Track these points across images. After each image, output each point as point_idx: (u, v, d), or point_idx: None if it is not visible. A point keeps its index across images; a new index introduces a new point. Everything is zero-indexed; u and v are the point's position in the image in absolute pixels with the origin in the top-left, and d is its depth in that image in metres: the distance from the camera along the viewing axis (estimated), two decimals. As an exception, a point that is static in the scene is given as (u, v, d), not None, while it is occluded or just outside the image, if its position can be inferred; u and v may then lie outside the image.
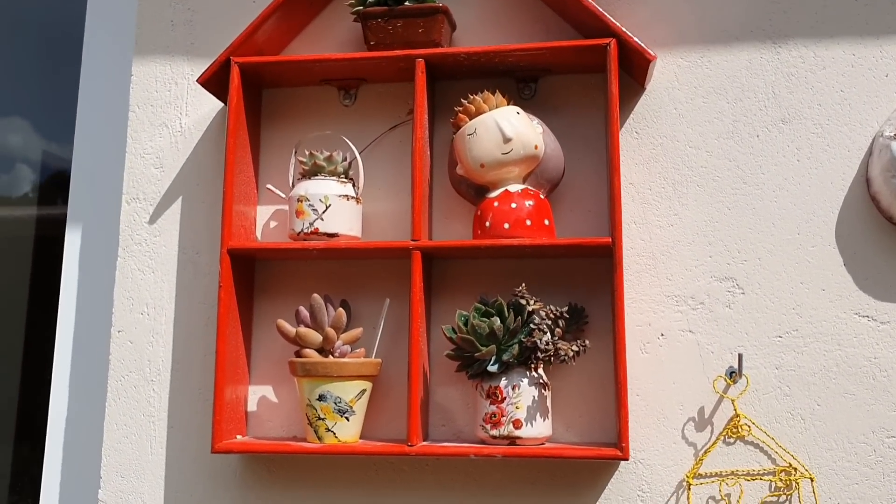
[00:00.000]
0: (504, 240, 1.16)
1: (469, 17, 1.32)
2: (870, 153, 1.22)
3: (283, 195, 1.29)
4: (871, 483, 1.16)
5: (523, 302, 1.15)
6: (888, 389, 1.18)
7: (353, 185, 1.26)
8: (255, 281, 1.32)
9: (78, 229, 1.47)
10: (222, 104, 1.36)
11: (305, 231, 1.22)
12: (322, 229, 1.21)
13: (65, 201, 1.49)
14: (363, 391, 1.19)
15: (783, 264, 1.22)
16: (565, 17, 1.28)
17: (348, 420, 1.18)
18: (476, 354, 1.14)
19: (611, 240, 1.15)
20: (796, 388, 1.19)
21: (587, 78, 1.29)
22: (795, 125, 1.25)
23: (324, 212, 1.21)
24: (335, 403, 1.17)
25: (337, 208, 1.22)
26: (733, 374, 1.19)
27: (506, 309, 1.16)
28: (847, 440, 1.17)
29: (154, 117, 1.39)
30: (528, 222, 1.18)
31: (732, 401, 1.18)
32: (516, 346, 1.14)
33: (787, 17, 1.26)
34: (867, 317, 1.20)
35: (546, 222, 1.19)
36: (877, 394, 1.18)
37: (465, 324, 1.16)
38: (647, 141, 1.27)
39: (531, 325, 1.14)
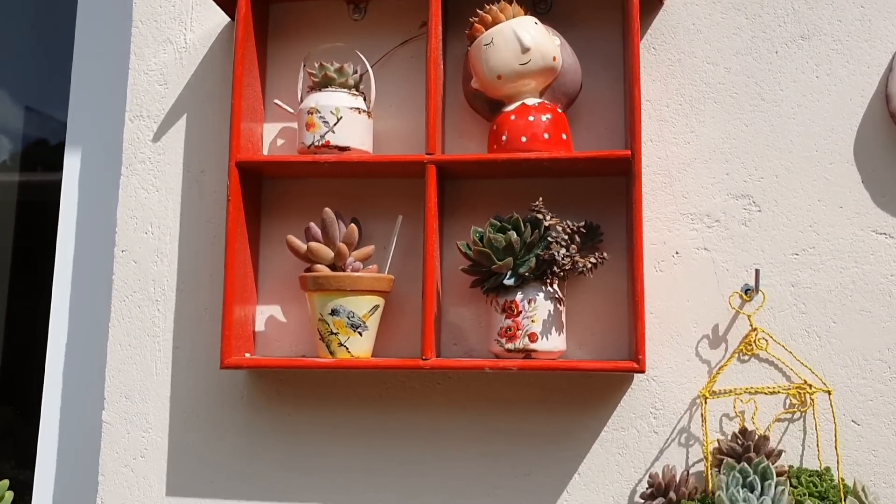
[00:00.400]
0: (522, 153, 1.14)
1: (483, -71, 1.28)
2: (890, 69, 1.20)
3: (292, 110, 1.26)
4: (886, 399, 1.16)
5: (540, 217, 1.13)
6: (904, 307, 1.17)
7: (365, 99, 1.23)
8: (262, 199, 1.29)
9: (77, 151, 1.44)
10: (228, 20, 1.33)
11: (316, 143, 1.19)
12: (333, 142, 1.19)
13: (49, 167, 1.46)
14: (376, 307, 1.17)
15: (800, 182, 1.21)
16: (582, -71, 1.25)
17: (361, 335, 1.16)
18: (493, 267, 1.12)
19: (630, 153, 1.13)
20: (812, 306, 1.18)
21: (603, -7, 1.26)
22: (815, 41, 1.22)
23: (335, 124, 1.18)
24: (348, 318, 1.15)
25: (348, 121, 1.19)
26: (749, 291, 1.18)
27: (522, 224, 1.14)
28: (862, 357, 1.17)
29: (158, 33, 1.35)
30: (546, 136, 1.15)
31: (749, 316, 1.17)
32: (533, 259, 1.12)
33: (809, -70, 1.24)
34: (885, 234, 1.19)
35: (563, 136, 1.17)
36: (892, 311, 1.17)
37: (481, 239, 1.14)
38: (664, 57, 1.25)
39: (548, 239, 1.12)
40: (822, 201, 1.20)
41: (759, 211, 1.21)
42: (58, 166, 1.45)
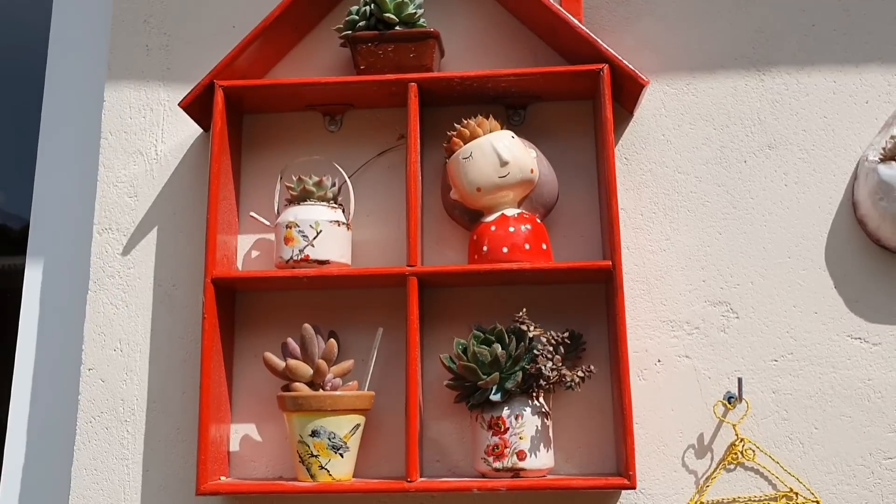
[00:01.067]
0: (504, 264, 1.14)
1: (457, 44, 1.31)
2: (855, 177, 1.24)
3: (268, 223, 1.25)
4: (872, 505, 1.16)
5: (524, 328, 1.13)
6: (883, 411, 1.18)
7: (343, 211, 1.22)
8: (235, 313, 1.26)
9: (39, 264, 1.39)
10: (200, 130, 1.32)
11: (295, 258, 1.17)
12: (313, 256, 1.17)
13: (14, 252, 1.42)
14: (357, 426, 1.14)
15: (776, 288, 1.22)
16: (554, 45, 1.28)
17: (342, 456, 1.12)
18: (479, 383, 1.11)
19: (611, 263, 1.13)
20: (794, 412, 1.19)
21: (575, 105, 1.29)
22: (782, 150, 1.26)
23: (314, 238, 1.17)
24: (329, 439, 1.11)
25: (328, 234, 1.18)
26: (732, 399, 1.18)
27: (506, 335, 1.13)
28: (845, 463, 1.17)
29: (128, 144, 1.33)
30: (527, 246, 1.16)
31: (734, 426, 1.17)
32: (519, 374, 1.11)
33: (770, 45, 1.29)
34: (859, 339, 1.20)
35: (544, 246, 1.17)
36: (872, 416, 1.18)
37: (465, 352, 1.13)
38: (636, 167, 1.27)
39: (534, 352, 1.11)
40: (797, 307, 1.22)
41: (737, 317, 1.22)
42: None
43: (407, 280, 1.14)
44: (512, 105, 1.28)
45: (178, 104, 1.24)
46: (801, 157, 1.26)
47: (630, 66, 1.19)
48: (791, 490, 1.15)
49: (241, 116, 1.32)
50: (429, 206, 1.26)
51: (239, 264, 1.28)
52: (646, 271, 1.23)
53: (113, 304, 1.28)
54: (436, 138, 1.26)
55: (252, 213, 1.25)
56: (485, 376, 1.10)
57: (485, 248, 1.16)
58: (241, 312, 1.26)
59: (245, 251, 1.29)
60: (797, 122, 1.27)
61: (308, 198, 1.20)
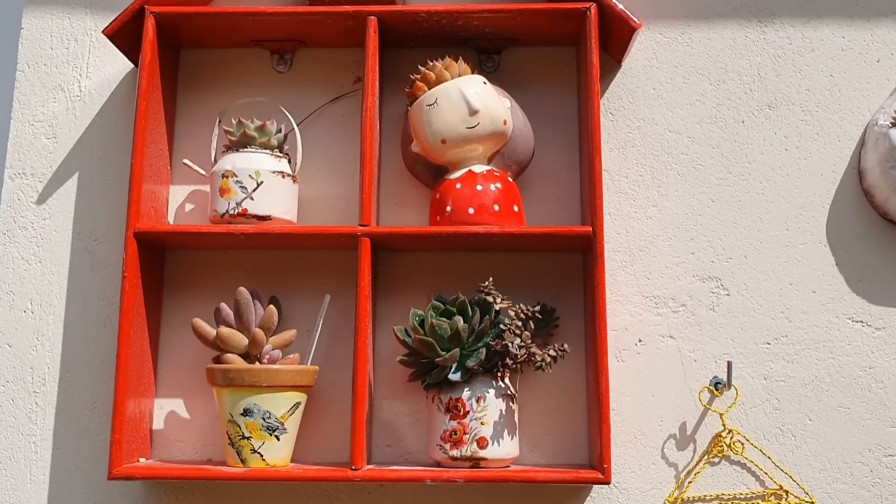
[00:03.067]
0: (469, 227, 1.00)
1: (425, -23, 1.16)
2: (862, 143, 1.12)
3: (204, 172, 1.09)
4: (869, 507, 1.04)
5: (490, 299, 0.99)
6: (885, 402, 1.07)
7: (289, 162, 1.07)
8: (164, 274, 1.11)
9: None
10: (131, 66, 1.16)
11: (231, 212, 1.02)
12: (252, 210, 1.02)
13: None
14: (297, 405, 1.00)
15: (771, 263, 1.10)
16: (535, -18, 1.14)
17: (278, 439, 0.98)
18: (436, 360, 0.97)
19: (590, 230, 1.00)
20: (786, 401, 1.07)
21: (556, 51, 1.15)
22: (783, 111, 1.13)
23: (254, 190, 1.02)
24: (263, 419, 0.97)
25: (270, 186, 1.03)
26: (719, 385, 1.05)
27: (469, 307, 0.99)
28: (842, 459, 1.06)
29: (47, 79, 1.17)
30: (496, 207, 1.02)
31: (721, 415, 1.05)
32: (483, 351, 0.97)
33: (775, -7, 1.16)
34: (861, 322, 1.09)
35: (515, 208, 1.04)
36: (872, 407, 1.07)
37: (422, 324, 0.99)
38: (622, 124, 1.14)
39: (500, 327, 0.97)
40: (794, 285, 1.10)
41: (728, 295, 1.09)
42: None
43: (359, 241, 1.01)
44: (485, 49, 1.14)
45: (102, 31, 1.08)
46: (803, 118, 1.13)
47: (621, 6, 1.05)
48: (781, 487, 1.04)
49: (178, 51, 1.16)
50: (387, 160, 1.12)
51: (170, 218, 1.13)
52: (629, 241, 1.11)
53: (24, 258, 1.12)
54: (398, 83, 1.12)
55: (185, 161, 1.10)
56: (443, 352, 0.97)
57: (448, 209, 1.02)
58: (171, 273, 1.11)
59: (178, 203, 1.14)
60: (800, 81, 1.14)
61: (249, 144, 1.05)
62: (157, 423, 1.08)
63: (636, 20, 1.05)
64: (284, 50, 1.15)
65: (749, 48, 1.15)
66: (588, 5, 1.05)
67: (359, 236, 1.01)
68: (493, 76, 1.13)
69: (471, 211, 1.02)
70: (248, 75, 1.16)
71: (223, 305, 1.03)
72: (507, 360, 0.97)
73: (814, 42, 1.15)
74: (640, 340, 1.09)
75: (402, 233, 1.02)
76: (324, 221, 1.11)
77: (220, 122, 1.10)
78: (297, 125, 1.10)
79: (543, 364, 0.96)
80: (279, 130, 1.07)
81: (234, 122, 1.06)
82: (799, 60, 1.15)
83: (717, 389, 1.05)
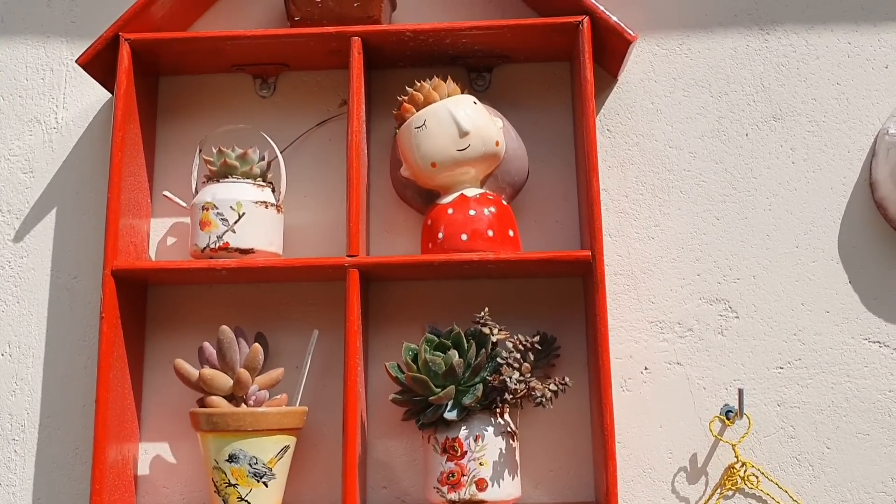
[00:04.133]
0: (463, 255, 0.95)
1: (411, -5, 1.12)
2: (873, 153, 1.07)
3: (185, 204, 1.05)
4: (894, 539, 0.99)
5: (486, 331, 0.94)
6: (906, 427, 1.01)
7: (273, 191, 1.03)
8: (146, 312, 1.07)
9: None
10: (108, 96, 1.12)
11: (212, 246, 0.98)
12: (234, 243, 0.98)
13: None
14: (285, 448, 0.95)
15: (781, 283, 1.05)
16: (525, -3, 1.10)
17: (266, 485, 0.93)
18: (430, 398, 0.92)
19: (590, 253, 0.95)
20: (802, 429, 1.01)
21: (548, 67, 1.11)
22: (788, 122, 1.09)
23: (236, 222, 0.98)
24: (250, 465, 0.92)
25: (252, 218, 0.98)
26: (731, 414, 1.00)
27: (465, 340, 0.94)
28: (863, 489, 1.00)
29: (23, 111, 1.13)
30: (490, 233, 0.97)
31: (733, 445, 0.99)
32: (480, 387, 0.92)
33: (776, 0, 1.11)
34: (878, 342, 1.03)
35: (510, 233, 0.99)
36: (894, 433, 1.01)
37: (415, 359, 0.94)
38: (620, 140, 1.09)
39: (498, 360, 0.92)
40: (806, 305, 1.04)
41: (737, 318, 1.04)
42: None
43: (347, 272, 0.96)
44: (475, 67, 1.09)
45: (76, 61, 1.03)
46: (810, 129, 1.08)
47: (615, 18, 1.00)
48: (799, 521, 0.98)
49: (157, 78, 1.12)
50: (376, 186, 1.08)
51: (152, 253, 1.08)
52: (631, 263, 1.06)
53: (2, 299, 1.08)
54: (384, 106, 1.07)
55: (166, 193, 1.06)
56: (438, 390, 0.91)
57: (440, 235, 0.97)
58: (153, 310, 1.07)
59: (160, 237, 1.09)
60: (806, 90, 1.09)
61: (230, 174, 1.00)
62: (143, 469, 1.03)
63: (631, 32, 1.00)
64: (267, 74, 1.11)
65: (751, 57, 1.10)
66: (580, 18, 1.00)
67: (347, 267, 0.96)
68: (484, 95, 1.08)
69: (464, 237, 0.97)
70: (231, 101, 1.11)
71: (206, 345, 0.98)
72: (506, 395, 0.91)
73: (818, 49, 1.10)
74: (645, 368, 1.03)
75: (392, 263, 0.97)
76: (312, 251, 1.06)
77: (200, 151, 1.06)
78: (281, 152, 1.06)
79: (544, 399, 0.91)
80: (262, 158, 1.03)
81: (214, 151, 1.02)
82: (804, 68, 1.10)
83: (728, 418, 1.00)
